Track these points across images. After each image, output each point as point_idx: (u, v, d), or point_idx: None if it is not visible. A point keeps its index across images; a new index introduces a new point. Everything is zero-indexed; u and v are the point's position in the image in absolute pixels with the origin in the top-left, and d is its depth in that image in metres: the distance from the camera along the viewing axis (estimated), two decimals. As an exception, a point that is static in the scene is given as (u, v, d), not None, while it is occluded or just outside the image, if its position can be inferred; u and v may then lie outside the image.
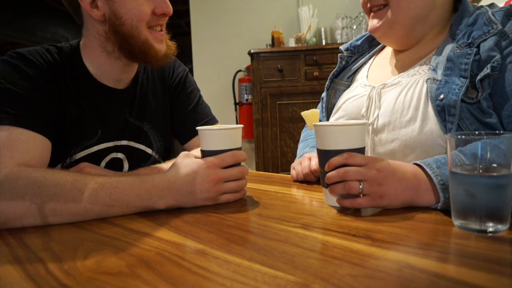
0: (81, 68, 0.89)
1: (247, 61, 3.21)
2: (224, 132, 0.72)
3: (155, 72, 1.02)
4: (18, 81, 0.76)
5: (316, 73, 2.80)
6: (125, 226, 0.60)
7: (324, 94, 1.06)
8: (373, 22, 0.87)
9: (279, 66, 2.83)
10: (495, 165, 0.49)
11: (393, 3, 0.82)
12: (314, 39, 3.09)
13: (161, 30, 0.88)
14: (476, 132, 0.60)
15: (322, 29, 3.13)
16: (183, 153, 0.74)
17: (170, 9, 0.86)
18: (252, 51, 2.85)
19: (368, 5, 0.87)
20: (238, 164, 0.73)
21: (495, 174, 0.49)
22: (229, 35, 3.46)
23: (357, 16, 3.11)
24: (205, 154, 0.73)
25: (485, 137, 0.49)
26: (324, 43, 3.11)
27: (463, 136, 0.53)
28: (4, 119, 0.71)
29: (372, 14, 0.87)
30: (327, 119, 1.01)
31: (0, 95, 0.73)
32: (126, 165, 0.94)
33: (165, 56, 0.89)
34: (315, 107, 0.98)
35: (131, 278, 0.41)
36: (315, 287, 0.37)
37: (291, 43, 3.11)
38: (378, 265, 0.42)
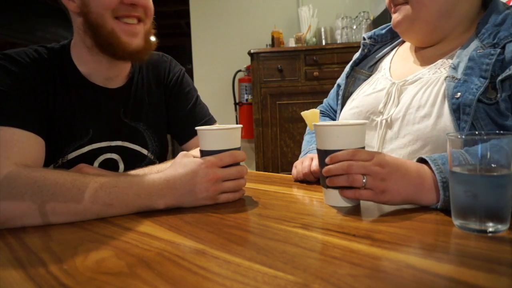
0: (71, 67, 0.88)
1: (247, 61, 3.20)
2: (223, 132, 0.72)
3: (150, 72, 1.01)
4: (5, 80, 0.76)
5: (316, 73, 2.80)
6: (125, 226, 0.60)
7: (340, 81, 1.04)
8: (395, 17, 0.86)
9: (279, 66, 2.83)
10: (495, 165, 0.49)
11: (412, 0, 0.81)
12: (314, 39, 3.09)
13: (136, 24, 0.84)
14: (476, 132, 0.59)
15: (322, 29, 3.13)
16: (182, 153, 0.74)
17: None
18: (252, 51, 2.85)
19: (391, 3, 0.87)
20: (237, 164, 0.73)
21: (495, 174, 0.49)
22: (229, 35, 3.45)
23: (357, 16, 3.11)
24: (204, 154, 0.72)
25: (485, 137, 0.49)
26: (324, 43, 3.11)
27: (463, 136, 0.53)
28: None
29: (393, 9, 0.87)
30: (342, 107, 0.99)
31: None
32: (121, 166, 0.94)
33: (138, 52, 0.85)
34: (315, 107, 0.98)
35: (131, 278, 0.41)
36: (315, 287, 0.37)
37: (291, 43, 3.11)
38: (378, 265, 0.42)
